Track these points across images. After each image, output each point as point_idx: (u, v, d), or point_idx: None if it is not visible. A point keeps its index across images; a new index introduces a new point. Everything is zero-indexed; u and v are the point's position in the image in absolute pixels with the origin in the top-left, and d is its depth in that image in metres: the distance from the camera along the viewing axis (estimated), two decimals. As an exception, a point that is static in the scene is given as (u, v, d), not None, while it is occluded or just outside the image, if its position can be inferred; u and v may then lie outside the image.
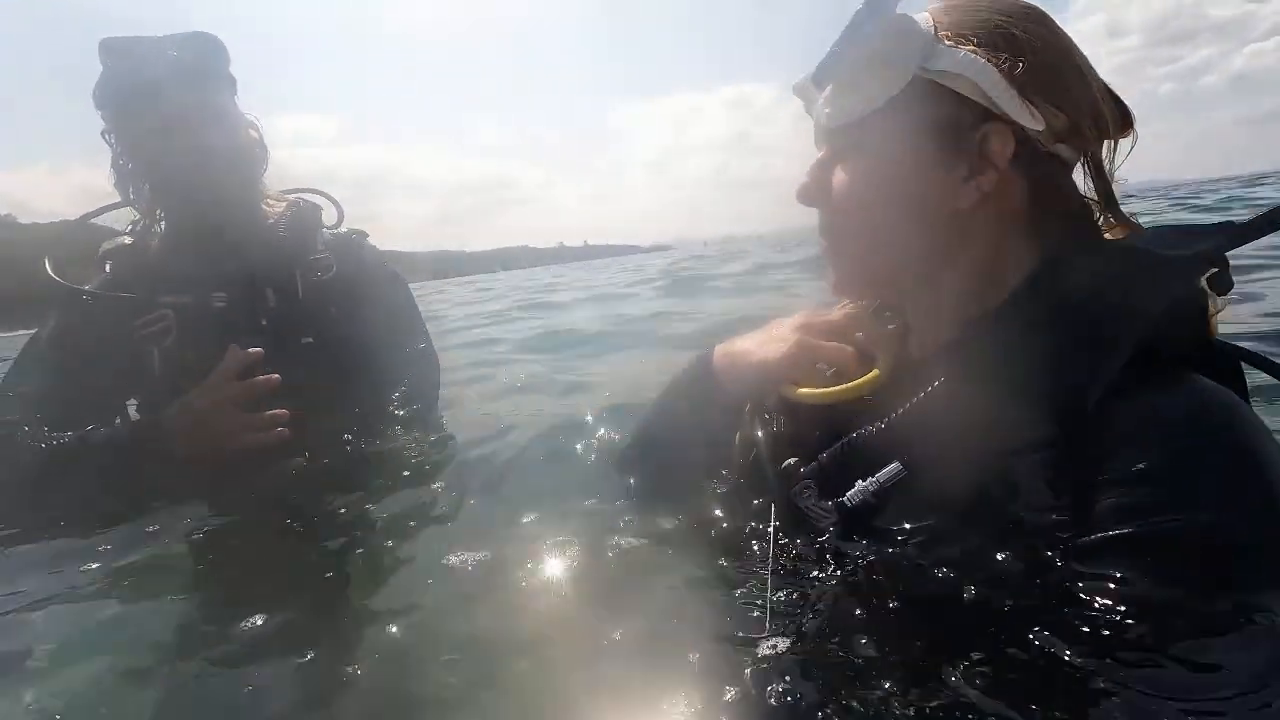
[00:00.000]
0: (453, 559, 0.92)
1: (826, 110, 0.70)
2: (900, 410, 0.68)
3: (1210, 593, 0.49)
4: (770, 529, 0.72)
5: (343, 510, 1.16)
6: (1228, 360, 0.63)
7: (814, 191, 0.73)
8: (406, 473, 1.32)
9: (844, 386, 0.76)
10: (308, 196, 1.57)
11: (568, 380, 2.46)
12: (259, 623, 0.82)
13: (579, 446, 1.38)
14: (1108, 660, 0.49)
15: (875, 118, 0.67)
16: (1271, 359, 0.62)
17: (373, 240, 1.60)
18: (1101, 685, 0.48)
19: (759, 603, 0.66)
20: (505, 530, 1.01)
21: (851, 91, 0.68)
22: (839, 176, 0.71)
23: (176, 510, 1.18)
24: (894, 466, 0.66)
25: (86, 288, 1.36)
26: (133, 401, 1.41)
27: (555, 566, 0.87)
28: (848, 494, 0.68)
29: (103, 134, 1.38)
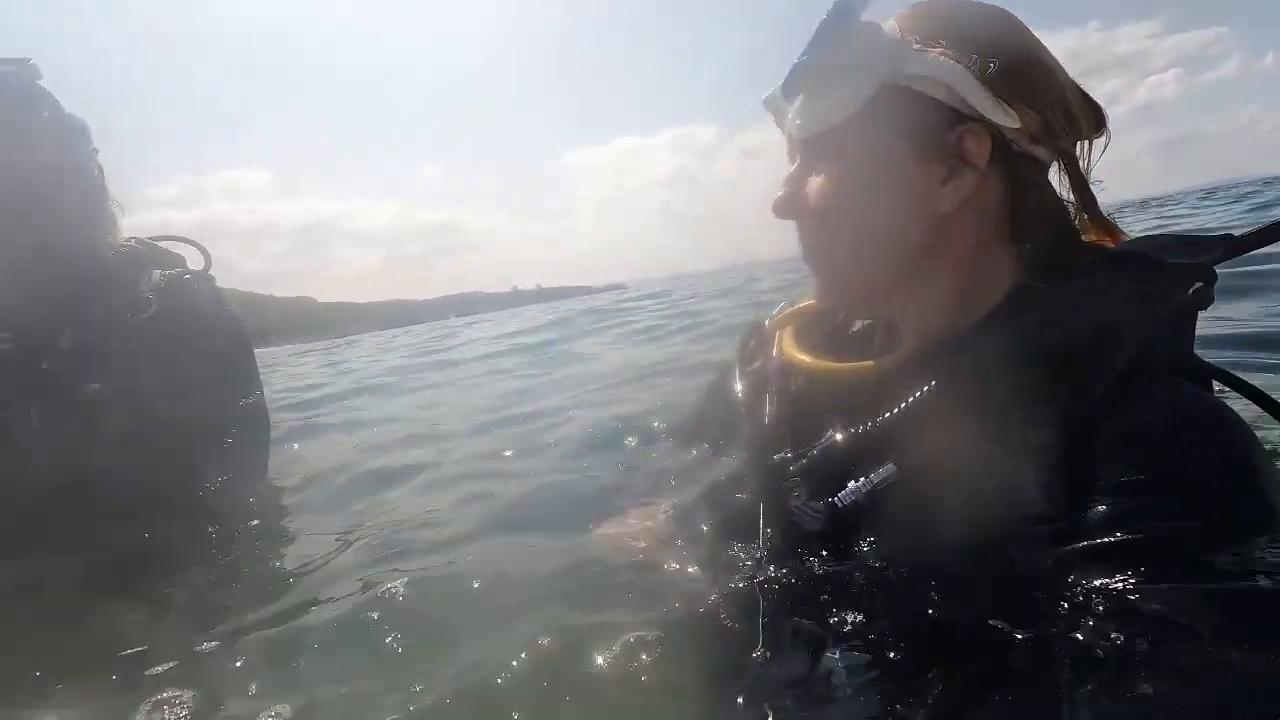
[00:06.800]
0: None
1: (798, 122, 0.69)
2: (895, 410, 0.65)
3: (1198, 595, 0.49)
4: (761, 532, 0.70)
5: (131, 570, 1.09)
6: (1201, 378, 0.64)
7: (791, 204, 0.71)
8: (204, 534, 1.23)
9: (852, 365, 0.73)
10: (168, 244, 1.45)
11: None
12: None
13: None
14: (1098, 668, 0.49)
15: (848, 125, 0.65)
16: (1235, 374, 0.64)
17: (220, 283, 1.45)
18: (1091, 691, 0.48)
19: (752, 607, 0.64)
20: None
21: (822, 101, 0.67)
22: (814, 184, 0.69)
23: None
24: (888, 467, 0.64)
25: None
26: None
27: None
28: (839, 494, 0.66)
29: None
